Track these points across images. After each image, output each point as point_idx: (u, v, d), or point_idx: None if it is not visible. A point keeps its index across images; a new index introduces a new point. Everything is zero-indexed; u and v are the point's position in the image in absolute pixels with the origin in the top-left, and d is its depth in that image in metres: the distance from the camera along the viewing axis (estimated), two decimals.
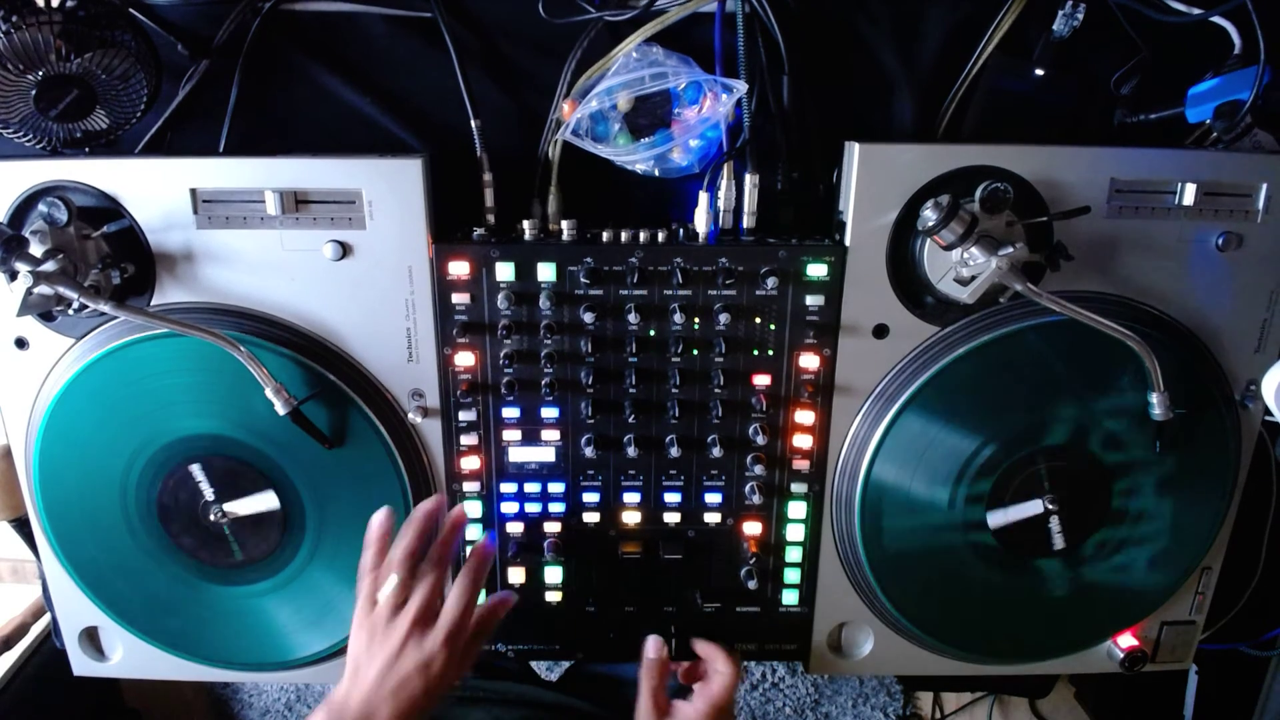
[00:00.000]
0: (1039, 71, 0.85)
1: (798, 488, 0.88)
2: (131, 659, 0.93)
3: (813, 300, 0.81)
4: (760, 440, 0.85)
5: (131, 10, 0.81)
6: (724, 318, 0.80)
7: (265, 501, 0.84)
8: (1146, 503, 0.86)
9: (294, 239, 0.78)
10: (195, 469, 0.82)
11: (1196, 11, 0.80)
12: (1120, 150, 0.78)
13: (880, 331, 0.82)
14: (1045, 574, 0.88)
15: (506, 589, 0.90)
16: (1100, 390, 0.82)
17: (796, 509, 0.88)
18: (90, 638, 0.94)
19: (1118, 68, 0.85)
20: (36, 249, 0.71)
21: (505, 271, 0.80)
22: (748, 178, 0.82)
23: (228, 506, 0.84)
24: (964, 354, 0.80)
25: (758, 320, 0.82)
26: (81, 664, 0.94)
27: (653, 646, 0.86)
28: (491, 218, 0.84)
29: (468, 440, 0.86)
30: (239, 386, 0.78)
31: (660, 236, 0.80)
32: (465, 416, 0.85)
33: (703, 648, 0.88)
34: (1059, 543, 0.85)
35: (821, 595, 0.92)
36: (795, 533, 0.89)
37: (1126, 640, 0.94)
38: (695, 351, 0.83)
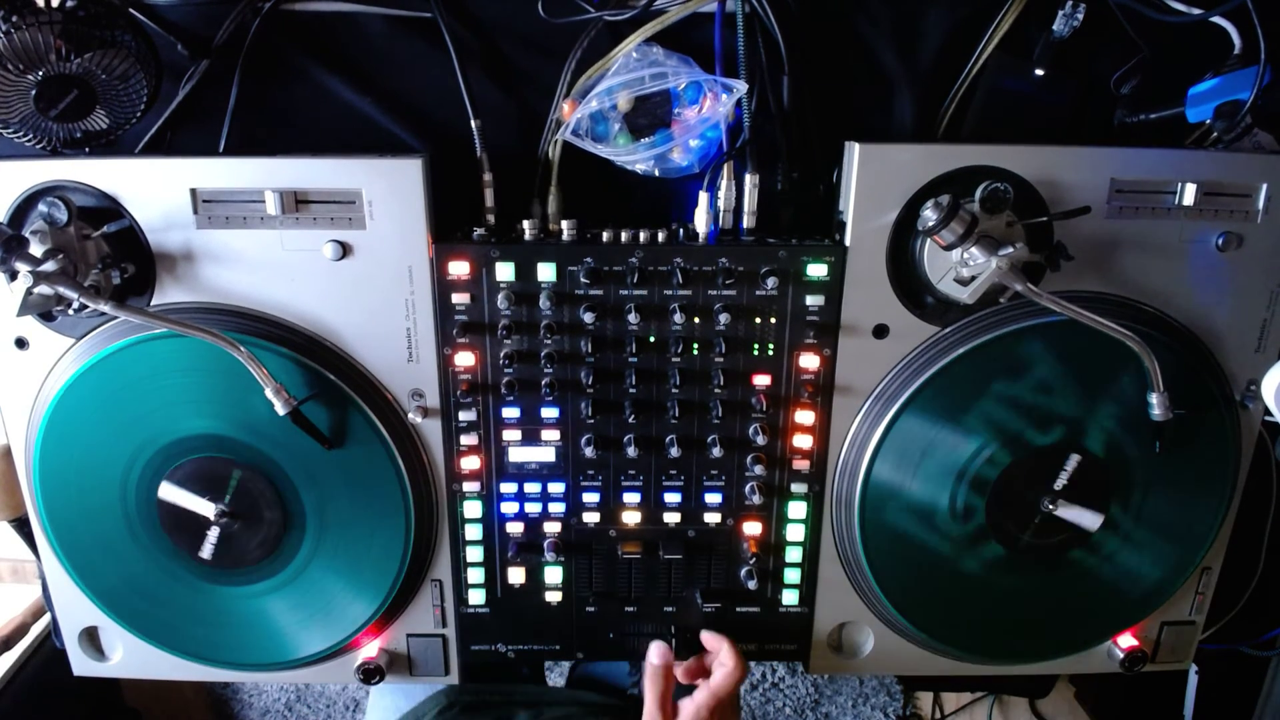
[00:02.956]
0: (1039, 71, 0.85)
1: (798, 488, 0.88)
2: (131, 659, 0.93)
3: (813, 300, 0.81)
4: (760, 440, 0.85)
5: (131, 10, 0.81)
6: (724, 318, 0.80)
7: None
8: (1146, 503, 0.86)
9: (294, 239, 0.78)
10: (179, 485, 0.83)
11: (1196, 11, 0.80)
12: (1120, 150, 0.78)
13: (880, 331, 0.82)
14: (1045, 574, 0.88)
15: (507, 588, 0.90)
16: (1100, 390, 0.82)
17: (796, 509, 0.88)
18: (90, 638, 0.94)
19: (1118, 68, 0.85)
20: (36, 249, 0.71)
21: (505, 271, 0.80)
22: (748, 178, 0.82)
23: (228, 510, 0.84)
24: (964, 354, 0.80)
25: (758, 320, 0.82)
26: (81, 664, 0.94)
27: (657, 652, 0.86)
28: (491, 218, 0.84)
29: (468, 440, 0.86)
30: (239, 386, 0.78)
31: (660, 236, 0.80)
32: (465, 416, 0.85)
33: (710, 639, 0.88)
34: (1085, 523, 0.85)
35: (821, 595, 0.92)
36: (795, 533, 0.89)
37: (1126, 640, 0.94)
38: (695, 351, 0.83)
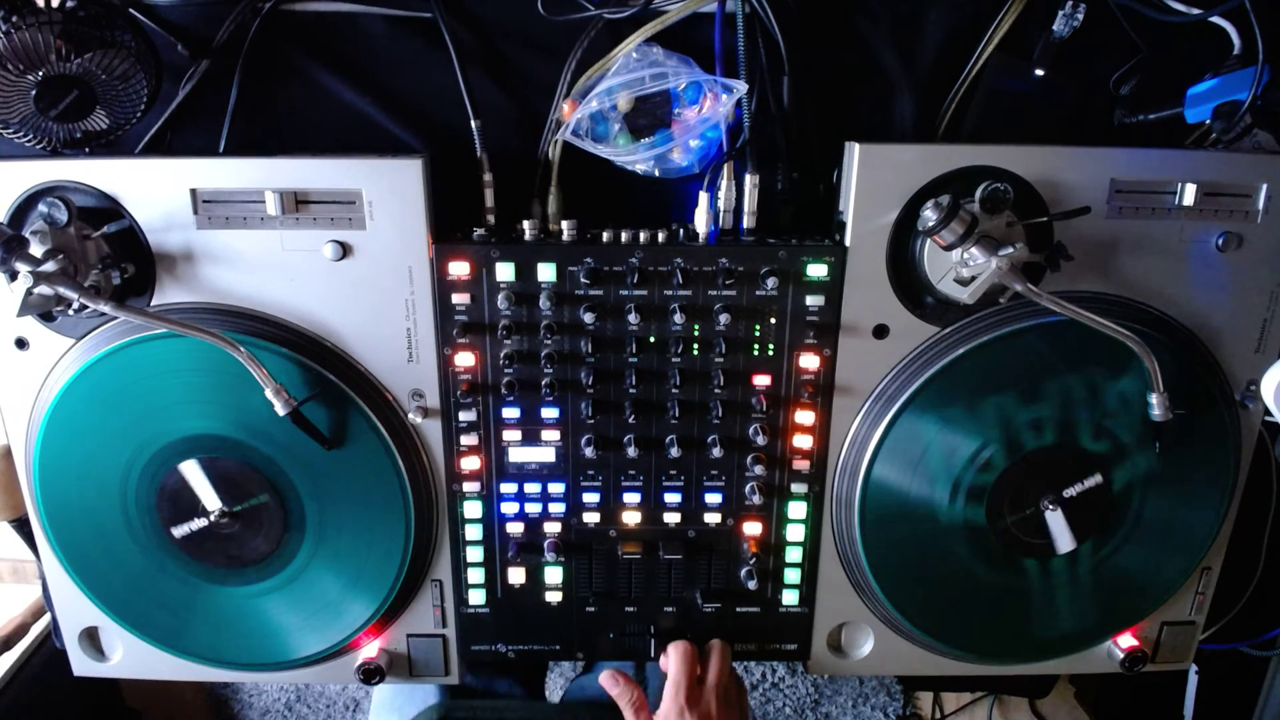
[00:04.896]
0: (1039, 71, 0.85)
1: (798, 488, 0.88)
2: (131, 659, 0.93)
3: (813, 300, 0.81)
4: (760, 440, 0.85)
5: (131, 10, 0.81)
6: (724, 318, 0.80)
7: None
8: (1146, 503, 0.86)
9: (294, 239, 0.78)
10: (191, 471, 0.82)
11: (1196, 11, 0.80)
12: (1120, 150, 0.78)
13: (880, 331, 0.82)
14: (1045, 574, 0.88)
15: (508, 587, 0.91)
16: (1100, 391, 0.81)
17: (796, 509, 0.88)
18: (90, 638, 0.94)
19: (1117, 68, 0.85)
20: (36, 249, 0.71)
21: (505, 271, 0.80)
22: (748, 178, 0.82)
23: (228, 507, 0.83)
24: (964, 354, 0.80)
25: (758, 320, 0.82)
26: (81, 664, 0.94)
27: (607, 683, 0.88)
28: (491, 218, 0.84)
29: (468, 440, 0.86)
30: (239, 386, 0.77)
31: (660, 237, 0.80)
32: (465, 417, 0.85)
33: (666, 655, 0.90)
34: (1060, 543, 0.85)
35: (821, 595, 0.92)
36: (795, 533, 0.89)
37: (1126, 640, 0.94)
38: (695, 352, 0.83)
